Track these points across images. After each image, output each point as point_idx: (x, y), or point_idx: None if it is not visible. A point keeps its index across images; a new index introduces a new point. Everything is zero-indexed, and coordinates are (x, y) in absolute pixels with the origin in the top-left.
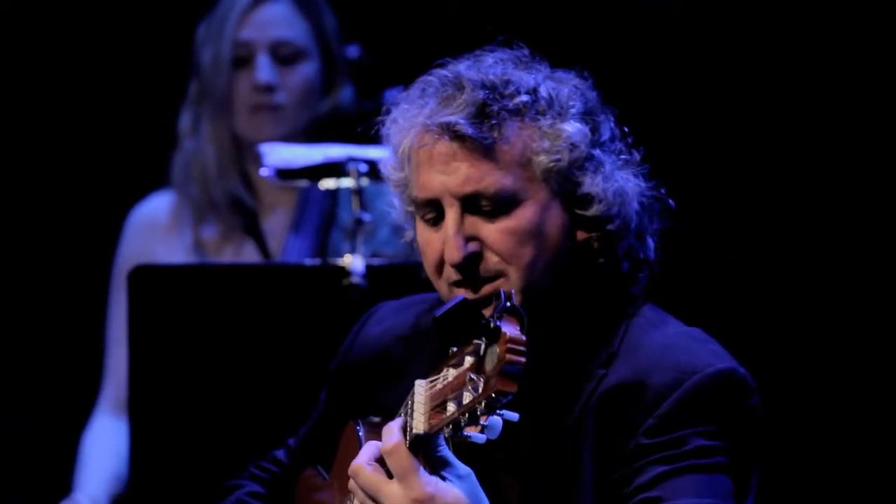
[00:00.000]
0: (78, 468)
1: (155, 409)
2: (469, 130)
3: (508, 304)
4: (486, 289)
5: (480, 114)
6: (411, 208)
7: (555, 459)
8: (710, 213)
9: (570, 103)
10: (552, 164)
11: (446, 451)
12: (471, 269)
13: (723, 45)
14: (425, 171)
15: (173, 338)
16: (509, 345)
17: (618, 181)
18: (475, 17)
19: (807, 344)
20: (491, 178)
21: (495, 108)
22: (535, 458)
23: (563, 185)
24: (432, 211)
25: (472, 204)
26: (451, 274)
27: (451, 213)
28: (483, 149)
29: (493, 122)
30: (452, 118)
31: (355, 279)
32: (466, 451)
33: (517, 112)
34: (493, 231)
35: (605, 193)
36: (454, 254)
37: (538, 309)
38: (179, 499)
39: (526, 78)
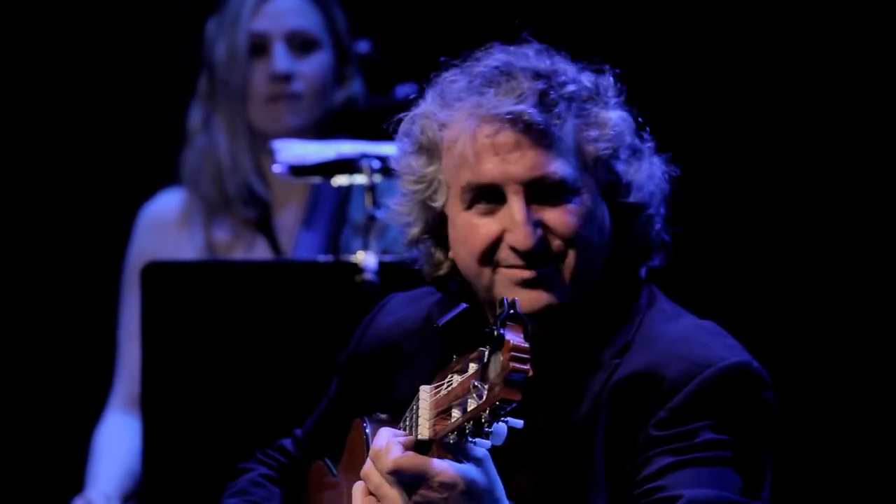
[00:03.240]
0: (90, 465)
1: (168, 405)
2: (538, 118)
3: (512, 311)
4: (548, 271)
5: (543, 102)
6: (438, 203)
7: (568, 449)
8: (720, 207)
9: (610, 92)
10: (601, 153)
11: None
12: (537, 253)
13: (728, 35)
14: (485, 160)
15: (186, 334)
16: (513, 353)
17: (652, 167)
18: (484, 11)
19: (816, 336)
20: (556, 164)
21: (553, 96)
22: (548, 448)
23: (607, 173)
24: (486, 198)
25: (535, 190)
26: (506, 257)
27: (517, 200)
28: (548, 137)
29: (556, 110)
30: (520, 107)
31: (368, 276)
32: None
33: (570, 100)
34: (557, 215)
35: (645, 181)
36: (526, 240)
37: (583, 294)
38: (192, 494)
39: (567, 67)
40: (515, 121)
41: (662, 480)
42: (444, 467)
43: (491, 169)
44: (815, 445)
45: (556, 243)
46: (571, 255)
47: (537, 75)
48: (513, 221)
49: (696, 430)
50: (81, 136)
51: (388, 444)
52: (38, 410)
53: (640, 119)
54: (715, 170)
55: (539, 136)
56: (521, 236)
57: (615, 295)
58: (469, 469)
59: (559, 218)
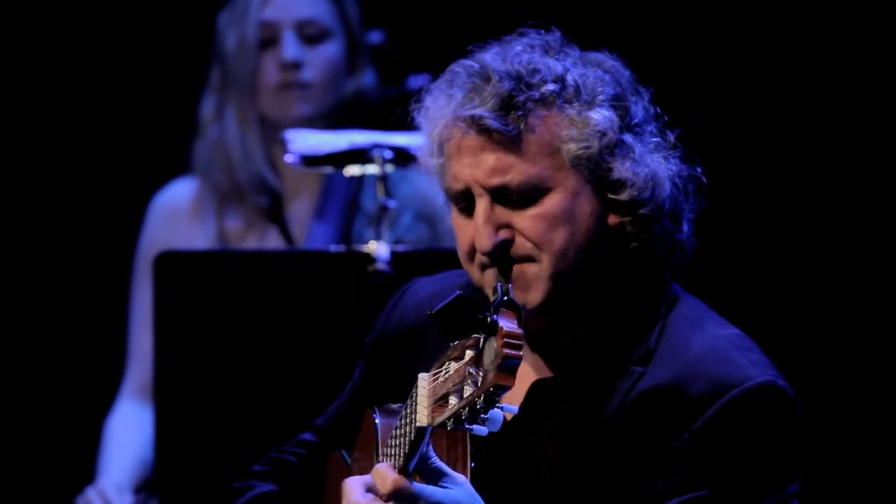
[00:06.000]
0: (101, 454)
1: (180, 394)
2: (493, 124)
3: (506, 297)
4: (515, 270)
5: (506, 105)
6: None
7: (587, 454)
8: (743, 201)
9: (598, 90)
10: (581, 152)
11: (439, 463)
12: (501, 256)
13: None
14: (456, 164)
15: (198, 324)
16: (506, 339)
17: (649, 165)
18: (498, 2)
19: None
20: (517, 170)
21: (521, 98)
22: (569, 449)
23: (595, 171)
24: (464, 201)
25: (500, 194)
26: (482, 259)
27: (481, 203)
28: (509, 140)
29: (519, 113)
30: (477, 112)
31: (380, 265)
32: (500, 439)
33: (544, 101)
34: (523, 218)
35: (637, 178)
36: (484, 242)
37: (569, 294)
38: (204, 484)
39: (553, 65)
40: (475, 125)
41: None
42: (431, 491)
43: (459, 173)
44: (835, 449)
45: (525, 244)
46: (542, 256)
47: (508, 76)
48: (476, 224)
49: (720, 456)
50: (95, 126)
51: (382, 470)
52: (49, 400)
53: (660, 112)
54: (738, 171)
55: (500, 139)
56: (480, 239)
57: (631, 295)
58: (454, 492)
59: (525, 221)
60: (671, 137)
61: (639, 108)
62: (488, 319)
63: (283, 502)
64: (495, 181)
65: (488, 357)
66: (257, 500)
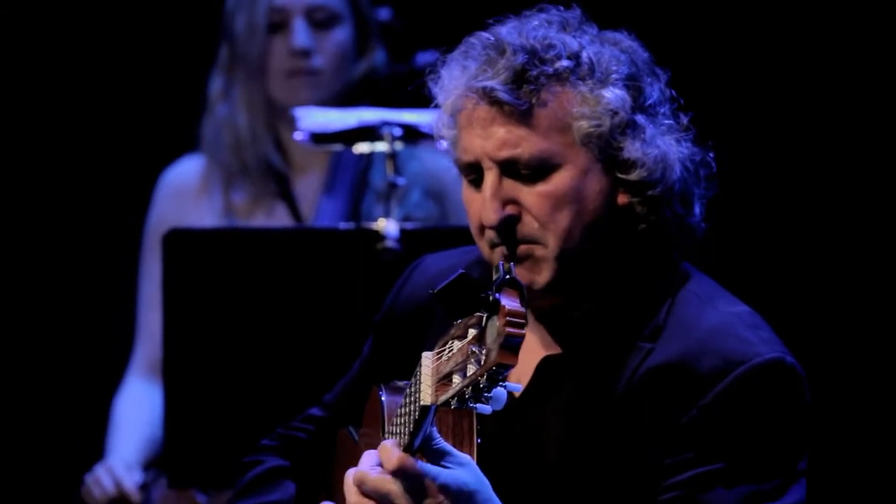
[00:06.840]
0: (110, 432)
1: (189, 372)
2: (505, 96)
3: (508, 276)
4: (522, 249)
5: (519, 79)
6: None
7: (594, 430)
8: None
9: (613, 68)
10: (592, 130)
11: (443, 443)
12: (507, 231)
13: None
14: (466, 135)
15: (208, 301)
16: (508, 318)
17: (659, 146)
18: None
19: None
20: (527, 144)
21: (534, 73)
22: (579, 423)
23: (605, 150)
24: (474, 173)
25: (510, 168)
26: (490, 235)
27: (490, 177)
28: (520, 114)
29: (532, 87)
30: (489, 83)
31: (389, 243)
32: (507, 415)
33: (557, 77)
34: (530, 195)
35: (647, 158)
36: (490, 216)
37: (577, 272)
38: (213, 462)
39: (569, 42)
40: (487, 96)
41: (694, 491)
42: (437, 472)
43: (469, 145)
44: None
45: (531, 224)
46: (547, 238)
47: (523, 50)
48: (483, 198)
49: (727, 432)
50: (103, 103)
51: (387, 447)
52: (58, 378)
53: (675, 95)
54: (752, 155)
55: (510, 112)
56: (486, 213)
57: (640, 273)
58: (458, 473)
59: (532, 198)
60: (685, 120)
61: (654, 89)
62: (490, 298)
63: (293, 477)
64: (504, 154)
65: (491, 336)
66: (269, 474)
